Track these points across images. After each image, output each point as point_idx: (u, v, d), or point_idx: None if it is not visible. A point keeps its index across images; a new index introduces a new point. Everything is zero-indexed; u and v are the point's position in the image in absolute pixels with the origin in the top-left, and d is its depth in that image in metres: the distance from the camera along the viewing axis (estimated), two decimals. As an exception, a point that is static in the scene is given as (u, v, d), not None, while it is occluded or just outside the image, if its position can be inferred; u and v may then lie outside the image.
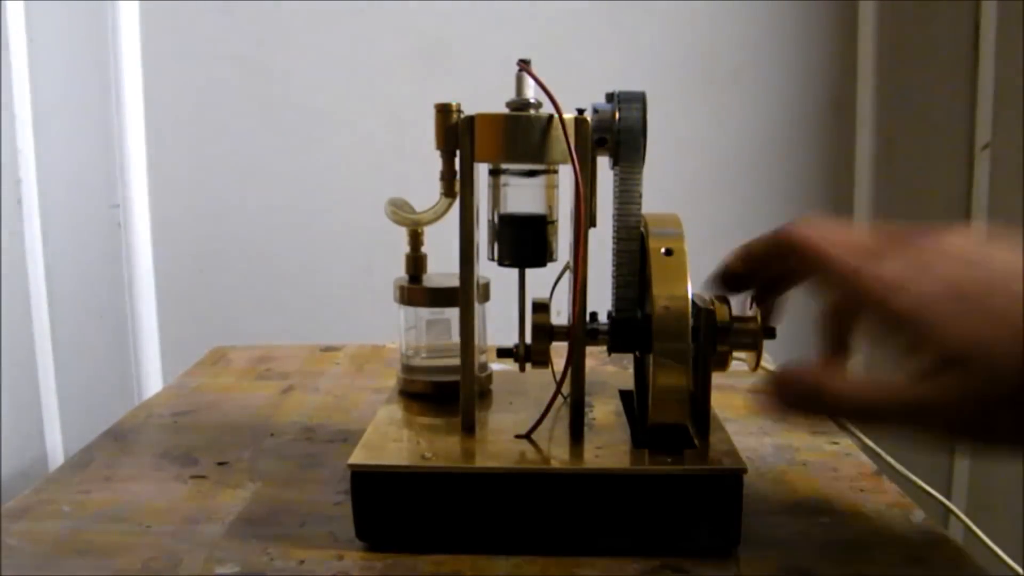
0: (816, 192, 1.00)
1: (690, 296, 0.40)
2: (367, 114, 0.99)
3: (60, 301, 0.99)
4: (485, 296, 0.51)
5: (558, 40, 0.98)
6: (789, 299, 0.44)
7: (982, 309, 0.35)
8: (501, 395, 0.50)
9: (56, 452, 0.99)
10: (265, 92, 1.00)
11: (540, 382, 0.49)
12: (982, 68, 0.93)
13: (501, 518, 0.40)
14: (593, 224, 0.43)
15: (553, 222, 0.45)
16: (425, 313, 0.52)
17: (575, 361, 0.43)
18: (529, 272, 0.45)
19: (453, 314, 0.47)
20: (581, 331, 0.42)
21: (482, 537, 0.40)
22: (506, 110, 0.42)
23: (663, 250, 0.41)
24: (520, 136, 0.42)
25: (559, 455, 0.41)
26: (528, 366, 0.45)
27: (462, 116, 0.42)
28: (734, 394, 0.58)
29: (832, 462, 0.51)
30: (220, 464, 0.51)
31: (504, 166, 0.45)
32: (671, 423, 0.41)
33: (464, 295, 0.43)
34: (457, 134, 0.42)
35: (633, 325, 0.43)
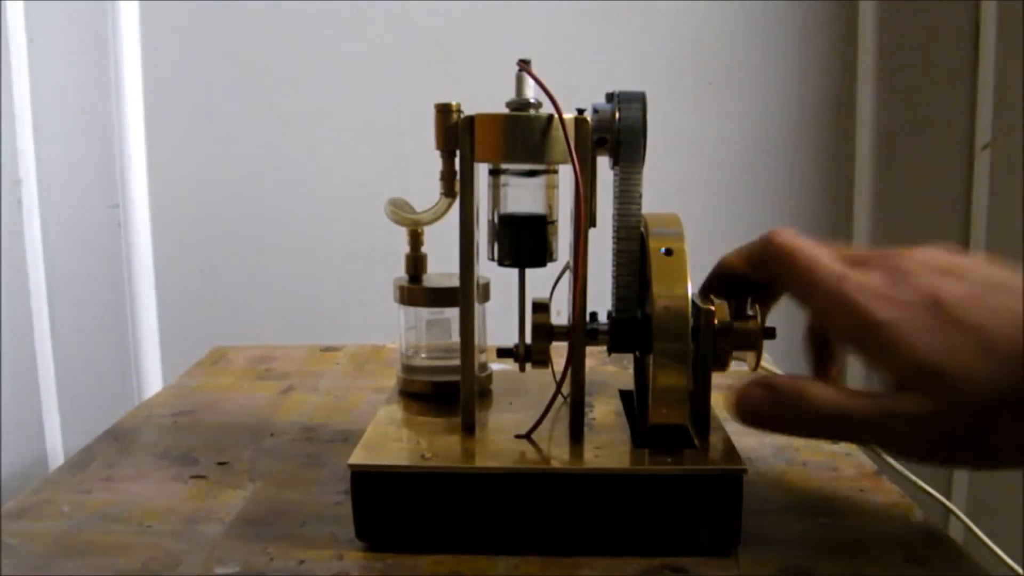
0: (816, 192, 1.00)
1: (690, 296, 0.40)
2: (367, 114, 0.99)
3: (60, 301, 1.00)
4: (485, 296, 0.51)
5: (558, 40, 0.98)
6: (778, 308, 0.45)
7: (957, 322, 0.35)
8: (501, 395, 0.50)
9: (56, 452, 0.99)
10: (265, 92, 1.00)
11: (540, 382, 0.49)
12: (982, 68, 0.93)
13: (501, 518, 0.40)
14: (593, 224, 0.43)
15: (553, 222, 0.45)
16: (425, 313, 0.52)
17: (575, 361, 0.43)
18: (529, 272, 0.45)
19: (453, 314, 0.47)
20: (581, 331, 0.42)
21: (482, 537, 0.40)
22: (506, 110, 0.42)
23: (663, 250, 0.41)
24: (520, 136, 0.42)
25: (559, 455, 0.41)
26: (528, 366, 0.45)
27: (462, 116, 0.42)
28: (734, 394, 0.58)
29: (832, 462, 0.51)
30: (220, 464, 0.51)
31: (504, 166, 0.45)
32: (671, 423, 0.41)
33: (464, 295, 0.43)
34: (457, 134, 0.42)
35: (633, 325, 0.43)
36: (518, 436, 0.43)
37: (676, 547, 0.39)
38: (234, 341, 0.80)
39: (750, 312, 0.43)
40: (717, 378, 0.43)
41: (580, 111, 0.42)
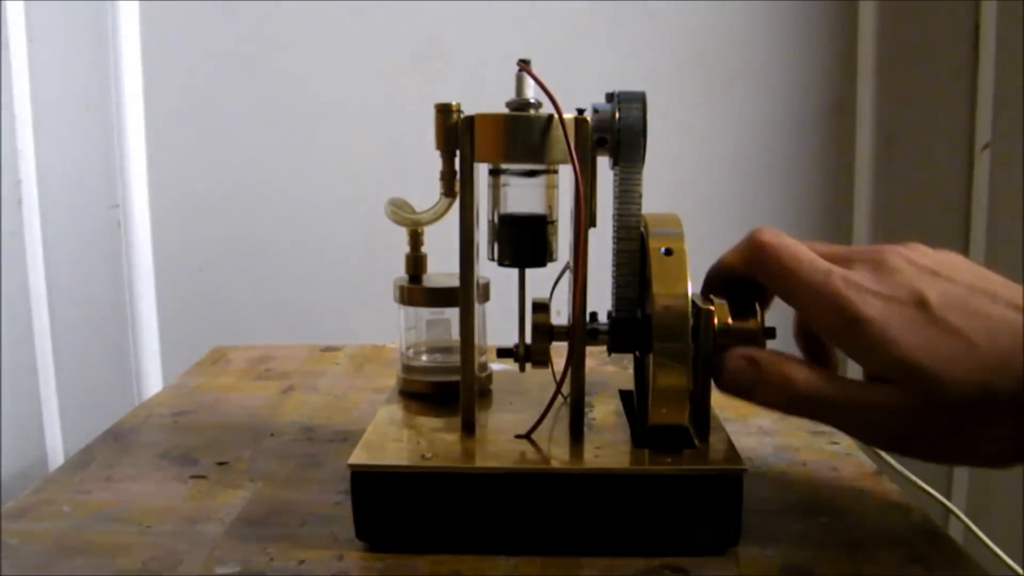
0: (816, 192, 1.00)
1: (690, 296, 0.40)
2: (367, 114, 0.99)
3: (60, 301, 0.99)
4: (485, 296, 0.51)
5: (558, 40, 0.98)
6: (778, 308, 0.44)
7: (940, 323, 0.35)
8: (501, 395, 0.50)
9: (56, 452, 0.99)
10: (265, 92, 1.00)
11: (540, 382, 0.49)
12: (982, 68, 0.93)
13: (501, 518, 0.40)
14: (593, 224, 0.43)
15: (553, 222, 0.45)
16: (425, 313, 0.52)
17: (575, 361, 0.43)
18: (529, 272, 0.45)
19: (453, 314, 0.47)
20: (581, 331, 0.42)
21: (482, 537, 0.40)
22: (506, 110, 0.42)
23: (663, 250, 0.41)
24: (520, 136, 0.42)
25: (559, 455, 0.41)
26: (528, 366, 0.45)
27: (462, 116, 0.42)
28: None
29: (832, 462, 0.51)
30: (220, 464, 0.51)
31: (504, 166, 0.45)
32: (671, 423, 0.41)
33: (464, 295, 0.43)
34: (457, 134, 0.42)
35: (633, 325, 0.43)
36: (518, 436, 0.43)
37: (676, 547, 0.39)
38: (234, 341, 0.80)
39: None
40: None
41: (580, 111, 0.42)
